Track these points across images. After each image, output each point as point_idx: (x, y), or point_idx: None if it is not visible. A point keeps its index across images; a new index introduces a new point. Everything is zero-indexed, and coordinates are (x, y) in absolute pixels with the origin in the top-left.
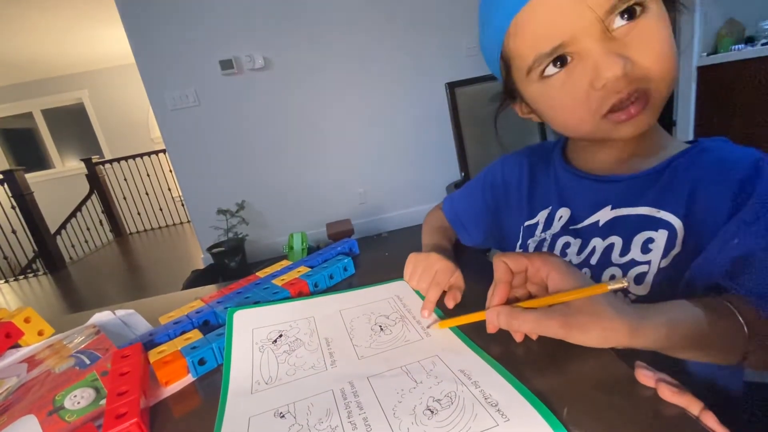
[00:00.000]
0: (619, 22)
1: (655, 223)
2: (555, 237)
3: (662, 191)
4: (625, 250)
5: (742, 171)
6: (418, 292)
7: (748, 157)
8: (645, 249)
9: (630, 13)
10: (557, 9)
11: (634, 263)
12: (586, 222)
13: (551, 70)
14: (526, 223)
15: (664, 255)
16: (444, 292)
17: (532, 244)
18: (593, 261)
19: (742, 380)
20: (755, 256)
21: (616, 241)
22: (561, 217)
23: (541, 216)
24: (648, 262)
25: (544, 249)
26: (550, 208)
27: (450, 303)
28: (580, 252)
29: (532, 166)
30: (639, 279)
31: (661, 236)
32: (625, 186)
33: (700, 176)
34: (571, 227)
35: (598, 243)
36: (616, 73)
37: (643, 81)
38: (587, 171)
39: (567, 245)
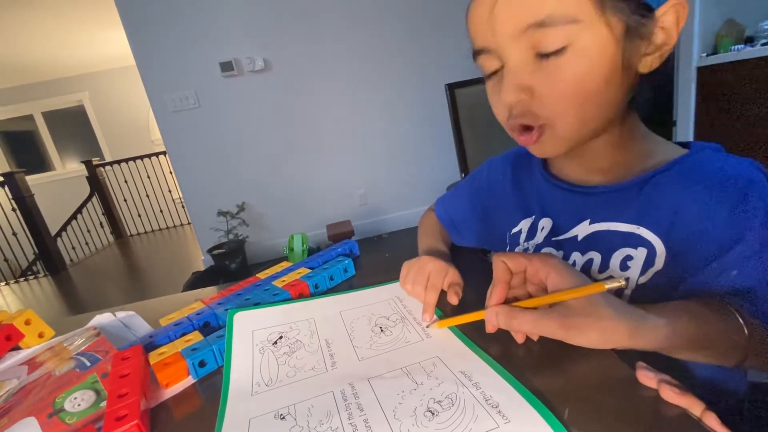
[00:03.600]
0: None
1: (635, 241)
2: (538, 247)
3: (643, 208)
4: (603, 266)
5: (733, 194)
6: None
7: (740, 175)
8: (623, 266)
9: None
10: (484, 15)
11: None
12: (567, 234)
13: (488, 64)
14: (512, 231)
15: (643, 272)
16: (444, 293)
17: None
18: None
19: (744, 381)
20: (757, 290)
21: (595, 256)
22: (543, 227)
23: (524, 224)
24: (626, 279)
25: None
26: (533, 217)
27: (453, 299)
28: None
29: (516, 173)
30: (617, 295)
31: (640, 254)
32: (603, 199)
33: (686, 196)
34: (553, 238)
35: (577, 257)
36: (507, 101)
37: (538, 117)
38: (565, 179)
39: None
